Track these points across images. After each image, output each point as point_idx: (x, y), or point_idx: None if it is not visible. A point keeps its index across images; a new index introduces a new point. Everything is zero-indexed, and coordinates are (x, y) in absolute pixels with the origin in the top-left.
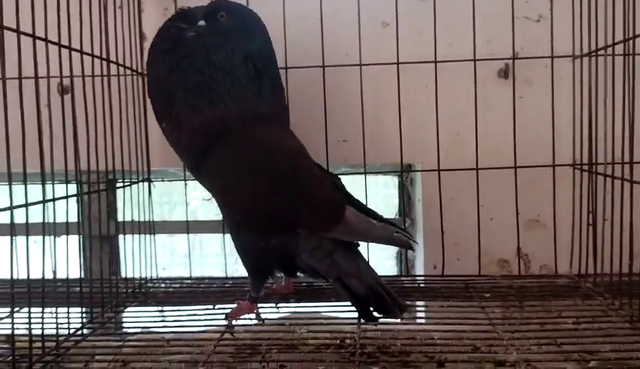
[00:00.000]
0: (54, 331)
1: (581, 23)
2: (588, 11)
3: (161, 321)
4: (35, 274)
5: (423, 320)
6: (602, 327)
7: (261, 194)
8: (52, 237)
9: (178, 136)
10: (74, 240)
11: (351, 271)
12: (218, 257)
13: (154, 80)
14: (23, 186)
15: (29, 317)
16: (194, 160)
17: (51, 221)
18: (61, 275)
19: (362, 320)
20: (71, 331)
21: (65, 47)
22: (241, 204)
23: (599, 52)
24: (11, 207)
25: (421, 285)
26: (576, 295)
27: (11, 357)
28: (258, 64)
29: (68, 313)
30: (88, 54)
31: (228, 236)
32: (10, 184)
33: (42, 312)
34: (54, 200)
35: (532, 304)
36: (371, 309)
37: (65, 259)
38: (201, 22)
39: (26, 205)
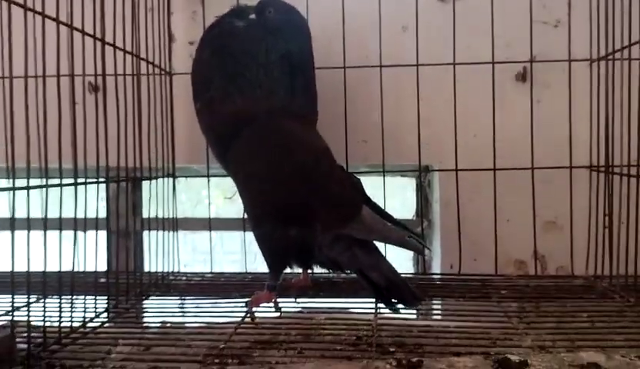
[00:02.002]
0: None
1: (599, 28)
2: (605, 15)
3: (182, 309)
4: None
5: (440, 316)
6: (618, 322)
7: (283, 183)
8: (79, 231)
9: (209, 119)
10: (102, 235)
11: (370, 264)
12: (239, 255)
13: (197, 62)
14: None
15: (60, 303)
16: (222, 144)
17: (80, 215)
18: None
19: (379, 313)
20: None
21: (99, 40)
22: (264, 190)
23: (616, 55)
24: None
25: (438, 283)
26: (593, 294)
27: (42, 334)
28: (293, 63)
29: (96, 300)
30: (120, 49)
31: (248, 234)
32: (47, 183)
33: (72, 299)
34: (85, 184)
35: (548, 303)
36: (391, 299)
37: (94, 252)
38: (252, 15)
39: (61, 200)
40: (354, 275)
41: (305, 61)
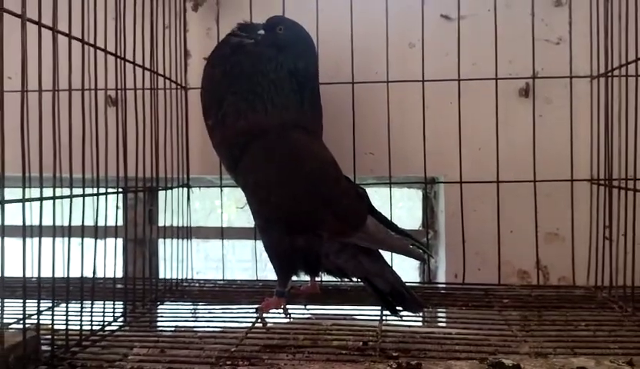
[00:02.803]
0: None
1: (599, 45)
2: (605, 33)
3: (195, 315)
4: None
5: (443, 323)
6: (615, 331)
7: (290, 193)
8: (98, 239)
9: (221, 135)
10: (117, 242)
11: (375, 272)
12: (250, 263)
13: (208, 80)
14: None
15: (81, 308)
16: (232, 158)
17: (100, 223)
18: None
19: (384, 320)
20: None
21: (120, 57)
22: (271, 199)
23: (615, 72)
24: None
25: (442, 292)
26: (592, 304)
27: (65, 336)
28: (301, 80)
29: (114, 305)
30: (139, 65)
31: (259, 242)
32: (71, 193)
33: (92, 304)
34: (105, 194)
35: (549, 312)
36: (395, 305)
37: (113, 259)
38: (261, 31)
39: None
40: (361, 283)
41: (312, 76)
